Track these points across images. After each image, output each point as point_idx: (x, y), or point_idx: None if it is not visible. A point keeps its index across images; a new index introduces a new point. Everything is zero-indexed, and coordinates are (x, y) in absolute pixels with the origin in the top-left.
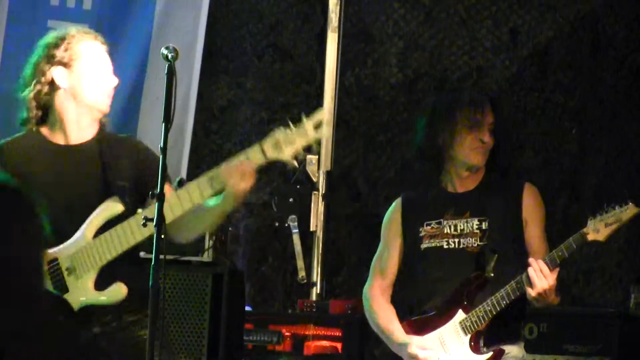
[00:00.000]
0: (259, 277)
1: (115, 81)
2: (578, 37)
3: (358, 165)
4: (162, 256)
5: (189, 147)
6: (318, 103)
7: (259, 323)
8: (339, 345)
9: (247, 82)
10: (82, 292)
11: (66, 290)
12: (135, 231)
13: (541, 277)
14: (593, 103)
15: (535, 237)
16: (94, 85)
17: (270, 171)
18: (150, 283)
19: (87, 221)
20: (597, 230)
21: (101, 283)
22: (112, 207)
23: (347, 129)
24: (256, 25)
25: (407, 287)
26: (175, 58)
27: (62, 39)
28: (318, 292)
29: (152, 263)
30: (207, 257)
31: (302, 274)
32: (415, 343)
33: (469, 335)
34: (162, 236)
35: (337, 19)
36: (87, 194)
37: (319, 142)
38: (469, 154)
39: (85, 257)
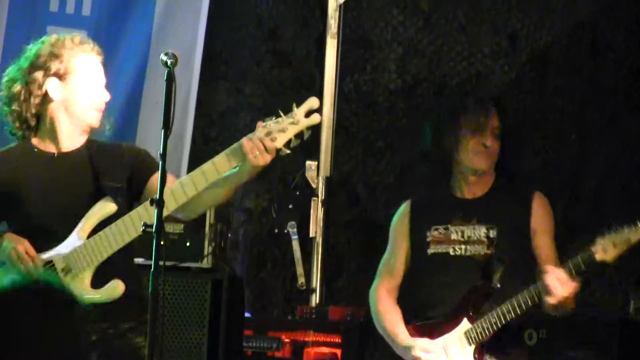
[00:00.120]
0: (259, 283)
1: (107, 96)
2: (577, 41)
3: (357, 171)
4: (161, 262)
5: (188, 153)
6: (317, 109)
7: (259, 329)
8: (338, 352)
9: (246, 88)
10: (79, 290)
11: None
12: (129, 229)
13: (561, 286)
14: (592, 107)
15: (545, 247)
16: (86, 100)
17: (270, 177)
18: (150, 290)
19: (81, 222)
20: (605, 249)
21: (97, 283)
22: (105, 207)
23: (346, 134)
24: (255, 31)
25: (413, 291)
26: (174, 64)
27: (59, 50)
28: (317, 298)
29: (152, 269)
30: (206, 263)
31: (301, 280)
32: (419, 346)
33: (473, 346)
34: (162, 243)
35: (336, 25)
36: (79, 197)
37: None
38: (472, 159)
39: (80, 257)
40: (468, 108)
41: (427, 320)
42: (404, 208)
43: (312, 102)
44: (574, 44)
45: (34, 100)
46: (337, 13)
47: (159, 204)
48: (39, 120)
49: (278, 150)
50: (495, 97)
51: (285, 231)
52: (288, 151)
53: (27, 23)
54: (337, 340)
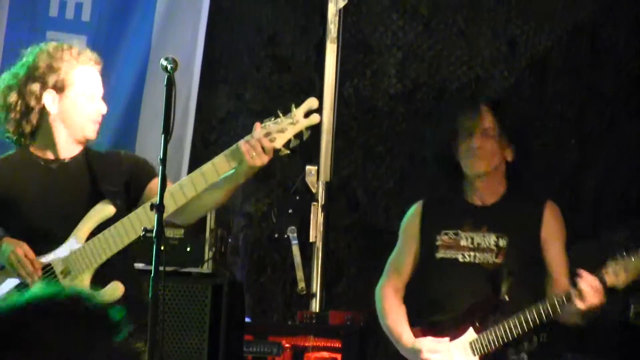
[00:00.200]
0: (259, 288)
1: (104, 109)
2: (576, 46)
3: (357, 176)
4: (161, 268)
5: (188, 157)
6: (316, 109)
7: (259, 334)
8: (338, 357)
9: (246, 93)
10: None
11: None
12: (128, 231)
13: (593, 292)
14: (592, 112)
15: (556, 256)
16: (83, 113)
17: (270, 182)
18: (150, 294)
19: (80, 225)
20: (616, 274)
21: (97, 285)
22: (103, 209)
23: (346, 139)
24: (255, 36)
25: (419, 293)
26: (174, 69)
27: (57, 63)
28: (317, 303)
29: (152, 275)
30: (206, 268)
31: (301, 285)
32: (427, 348)
33: (477, 357)
34: (162, 248)
35: (335, 29)
36: (77, 201)
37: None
38: (466, 162)
39: (79, 259)
40: (460, 112)
41: (432, 324)
42: (416, 208)
43: (311, 102)
44: (573, 50)
45: (31, 112)
46: (337, 18)
47: (159, 209)
48: (36, 128)
49: (277, 151)
50: (490, 98)
51: (285, 236)
52: (288, 151)
53: (27, 28)
54: (338, 345)
